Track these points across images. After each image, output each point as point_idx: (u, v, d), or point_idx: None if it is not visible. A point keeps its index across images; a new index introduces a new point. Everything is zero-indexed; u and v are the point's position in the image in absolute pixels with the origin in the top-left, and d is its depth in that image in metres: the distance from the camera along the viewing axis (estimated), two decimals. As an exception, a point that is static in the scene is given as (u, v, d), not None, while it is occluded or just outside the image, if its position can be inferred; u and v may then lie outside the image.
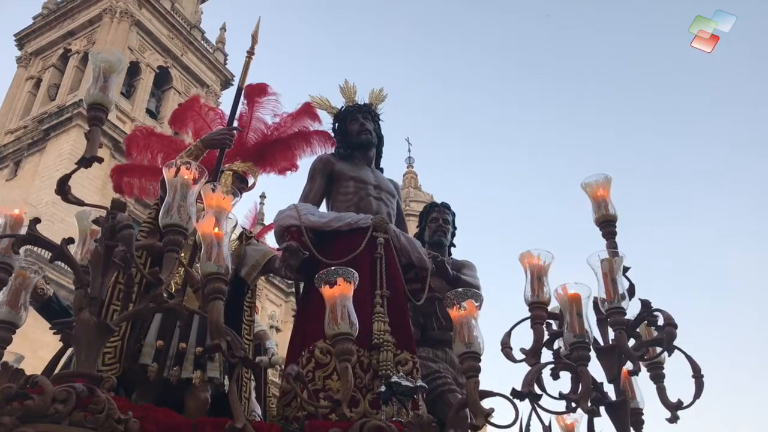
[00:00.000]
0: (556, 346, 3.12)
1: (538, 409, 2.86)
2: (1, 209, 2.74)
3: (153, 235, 3.06)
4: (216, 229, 2.55)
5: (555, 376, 2.95)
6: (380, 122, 4.55)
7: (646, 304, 3.15)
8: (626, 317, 3.03)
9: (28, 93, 28.97)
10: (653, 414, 3.20)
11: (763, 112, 79.20)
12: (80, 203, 2.68)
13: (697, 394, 3.08)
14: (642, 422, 3.20)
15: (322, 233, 3.95)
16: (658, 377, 3.22)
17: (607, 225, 3.28)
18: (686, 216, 79.54)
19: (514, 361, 2.99)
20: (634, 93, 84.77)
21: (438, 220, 4.83)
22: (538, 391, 2.84)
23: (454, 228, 4.91)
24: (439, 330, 4.33)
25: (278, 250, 4.04)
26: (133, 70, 27.57)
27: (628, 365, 3.12)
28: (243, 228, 4.43)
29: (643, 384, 3.26)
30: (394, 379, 3.09)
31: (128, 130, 22.65)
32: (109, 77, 2.73)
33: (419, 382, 3.18)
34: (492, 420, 2.62)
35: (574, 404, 2.86)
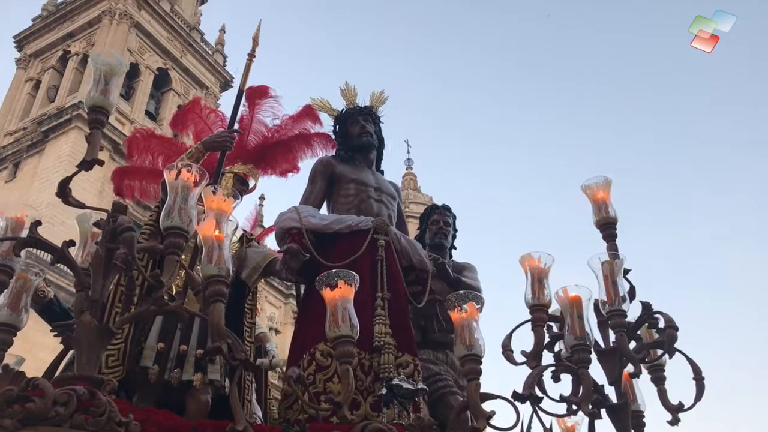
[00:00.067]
0: (557, 348, 3.13)
1: (539, 412, 2.87)
2: (2, 211, 2.73)
3: (154, 237, 3.06)
4: (217, 232, 2.56)
5: (556, 378, 2.96)
6: (381, 124, 4.55)
7: (646, 306, 3.15)
8: (627, 319, 3.03)
9: (28, 95, 28.98)
10: (654, 416, 3.20)
11: (764, 112, 79.29)
12: (81, 206, 2.68)
13: (698, 396, 3.08)
14: (643, 425, 3.20)
15: (323, 235, 3.96)
16: (659, 379, 3.22)
17: (607, 227, 3.28)
18: (686, 217, 79.58)
19: (515, 363, 2.99)
20: (634, 93, 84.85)
21: (439, 222, 4.83)
22: (539, 393, 2.85)
23: (455, 230, 4.91)
24: (440, 332, 4.33)
25: (279, 252, 4.04)
26: (133, 71, 27.59)
27: (629, 367, 3.12)
28: (244, 230, 4.42)
29: (644, 386, 3.27)
30: (395, 381, 3.08)
31: (127, 131, 22.68)
32: (110, 80, 2.73)
33: (420, 385, 3.18)
34: (493, 422, 2.62)
35: (575, 407, 2.86)
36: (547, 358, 3.03)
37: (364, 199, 4.21)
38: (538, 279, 3.07)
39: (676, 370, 3.18)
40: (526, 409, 2.77)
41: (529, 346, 3.00)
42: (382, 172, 4.53)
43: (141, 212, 14.48)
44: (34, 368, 2.98)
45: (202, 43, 31.89)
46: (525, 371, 2.91)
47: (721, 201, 79.00)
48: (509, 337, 3.05)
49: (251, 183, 4.54)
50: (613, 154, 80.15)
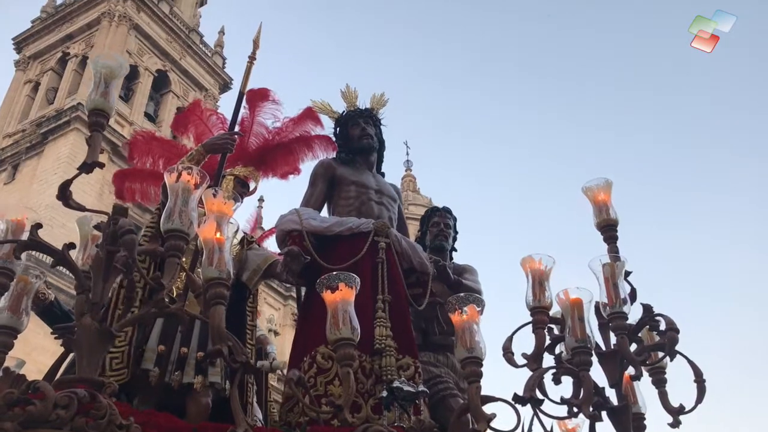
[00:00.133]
0: (557, 350, 3.13)
1: (540, 414, 2.86)
2: (3, 214, 2.73)
3: (155, 240, 3.06)
4: (217, 234, 2.55)
5: (557, 380, 2.95)
6: (381, 127, 4.55)
7: (647, 308, 3.14)
8: (628, 322, 3.03)
9: (27, 96, 28.99)
10: (655, 419, 3.19)
11: (764, 113, 79.37)
12: (81, 209, 2.67)
13: (699, 398, 3.08)
14: (644, 427, 3.20)
15: (324, 238, 3.95)
16: (659, 382, 3.22)
17: (608, 229, 3.28)
18: (687, 219, 79.63)
19: (516, 366, 2.99)
20: (634, 93, 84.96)
21: (439, 224, 4.83)
22: (539, 396, 2.84)
23: (456, 232, 4.91)
24: (440, 335, 4.32)
25: (280, 254, 4.04)
26: (132, 73, 27.60)
27: (630, 370, 3.12)
28: (244, 233, 4.42)
29: (644, 389, 3.27)
30: (396, 384, 3.08)
31: (127, 133, 22.69)
32: (110, 82, 2.73)
33: (421, 387, 3.18)
34: (494, 425, 2.62)
35: (575, 409, 2.86)
36: (548, 360, 3.03)
37: (365, 201, 4.21)
38: (539, 281, 3.07)
39: (677, 373, 3.18)
40: (526, 411, 2.77)
41: (529, 349, 3.00)
42: (382, 175, 4.53)
43: (140, 214, 14.49)
44: (35, 371, 2.98)
45: (201, 45, 31.93)
46: (526, 374, 2.91)
47: (722, 202, 79.13)
48: (510, 339, 3.05)
49: (252, 185, 4.54)
50: (613, 155, 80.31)
